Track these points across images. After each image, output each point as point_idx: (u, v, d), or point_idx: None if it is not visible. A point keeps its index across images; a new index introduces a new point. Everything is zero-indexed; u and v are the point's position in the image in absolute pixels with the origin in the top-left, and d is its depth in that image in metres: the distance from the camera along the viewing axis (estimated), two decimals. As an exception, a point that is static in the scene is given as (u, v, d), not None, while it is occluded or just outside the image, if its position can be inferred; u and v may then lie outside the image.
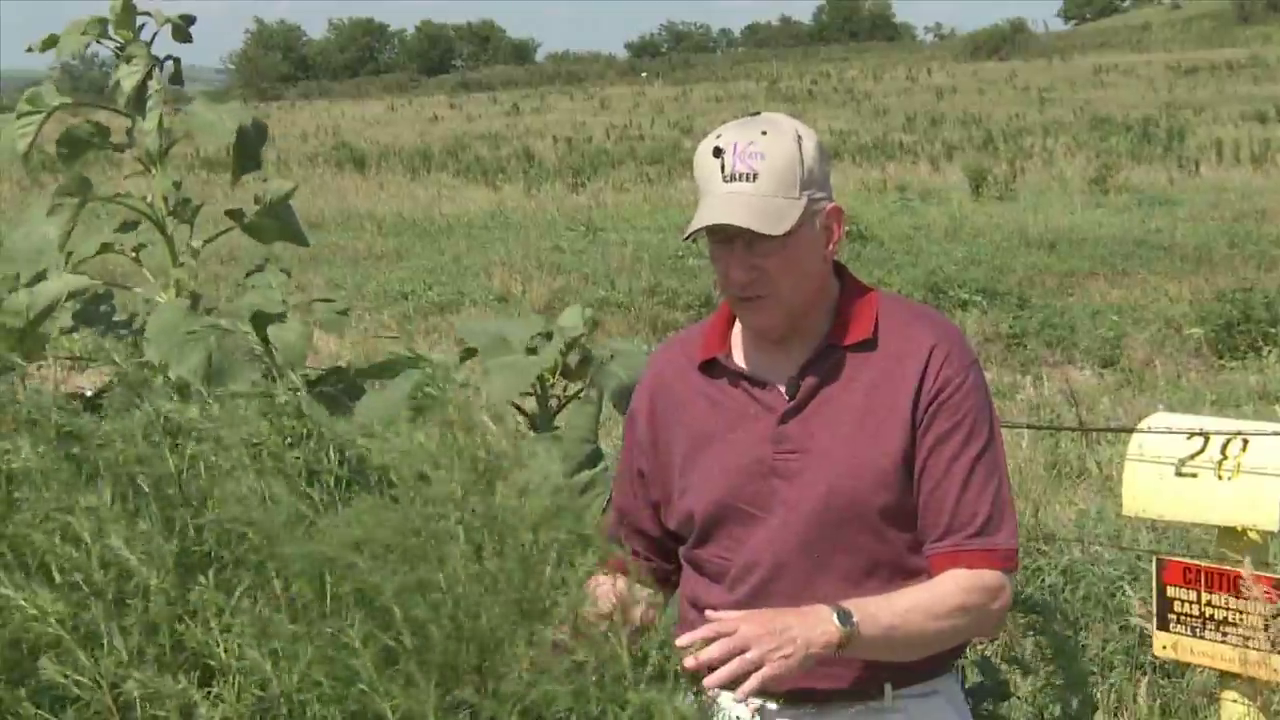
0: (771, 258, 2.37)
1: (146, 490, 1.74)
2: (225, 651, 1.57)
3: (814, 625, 2.21)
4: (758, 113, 2.49)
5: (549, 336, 3.15)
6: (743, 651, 2.13)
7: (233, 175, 3.24)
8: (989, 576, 2.40)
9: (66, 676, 1.55)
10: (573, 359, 3.17)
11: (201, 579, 1.61)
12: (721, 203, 2.36)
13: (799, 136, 2.40)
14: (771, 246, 2.36)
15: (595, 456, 3.11)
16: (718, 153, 2.39)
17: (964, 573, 2.39)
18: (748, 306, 2.43)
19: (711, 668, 2.09)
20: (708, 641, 2.13)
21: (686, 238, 2.45)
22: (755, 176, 2.35)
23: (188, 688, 1.54)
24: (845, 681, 2.41)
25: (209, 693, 1.55)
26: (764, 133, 2.39)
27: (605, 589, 1.90)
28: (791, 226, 2.35)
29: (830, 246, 2.45)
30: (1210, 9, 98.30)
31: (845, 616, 2.24)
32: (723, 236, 2.38)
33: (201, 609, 1.60)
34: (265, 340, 2.80)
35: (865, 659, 2.35)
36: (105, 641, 1.58)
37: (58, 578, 1.63)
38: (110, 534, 1.63)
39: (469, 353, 3.17)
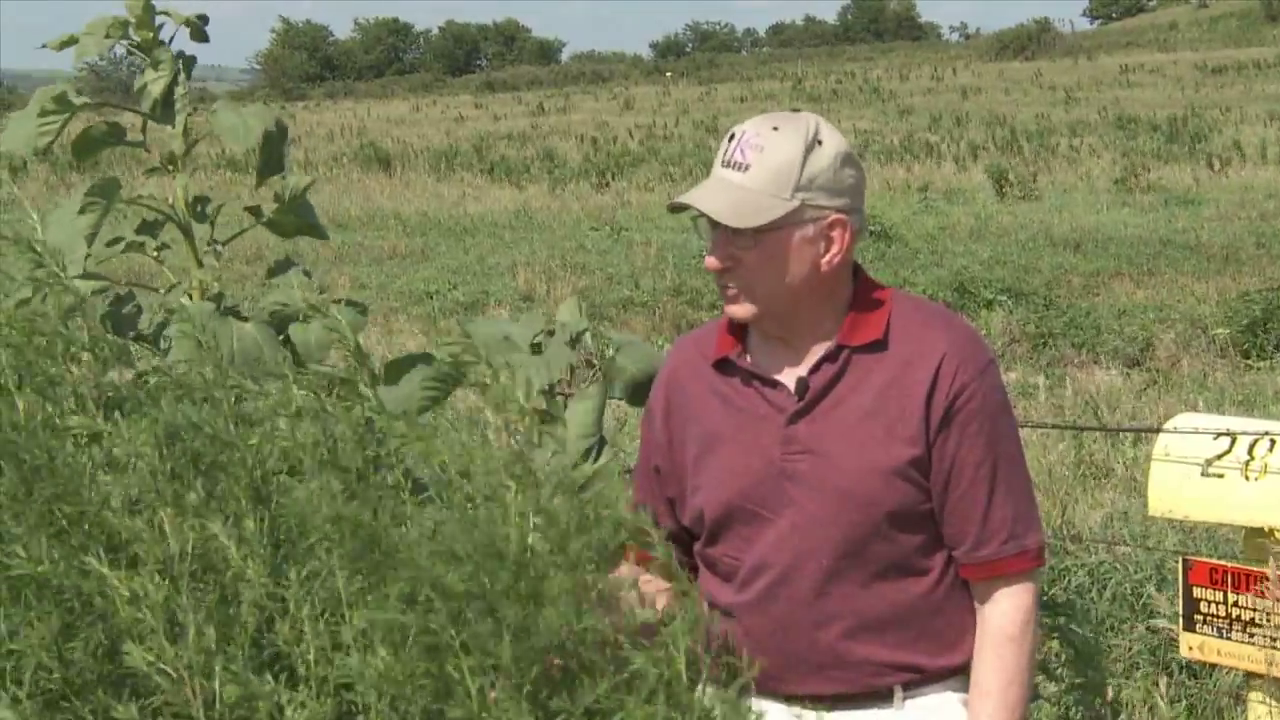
0: (749, 252, 2.37)
1: (231, 481, 1.74)
2: (314, 656, 1.56)
3: None
4: (798, 109, 2.48)
5: (551, 334, 3.14)
6: None
7: (257, 178, 3.25)
8: (1022, 599, 2.43)
9: (151, 664, 1.54)
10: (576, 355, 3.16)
11: (293, 574, 1.60)
12: (706, 186, 2.39)
13: (816, 141, 2.37)
14: (747, 240, 2.36)
15: (599, 450, 3.09)
16: (731, 137, 2.41)
17: (1021, 614, 2.42)
18: (723, 295, 2.46)
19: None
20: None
21: (668, 208, 2.49)
22: (747, 168, 2.35)
23: (276, 689, 1.53)
24: (856, 685, 2.41)
25: (290, 697, 1.54)
26: (776, 128, 2.38)
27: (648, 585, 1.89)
28: (765, 224, 2.34)
29: (828, 258, 2.40)
30: (1238, 8, 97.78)
31: None
32: (710, 220, 2.39)
33: (294, 608, 1.59)
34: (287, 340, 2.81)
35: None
36: (192, 633, 1.56)
37: (146, 565, 1.63)
38: (206, 524, 1.63)
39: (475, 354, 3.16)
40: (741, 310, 2.43)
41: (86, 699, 1.60)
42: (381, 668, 1.51)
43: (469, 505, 1.62)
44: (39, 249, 1.92)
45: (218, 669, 1.55)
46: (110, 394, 1.82)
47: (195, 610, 1.58)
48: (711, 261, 2.41)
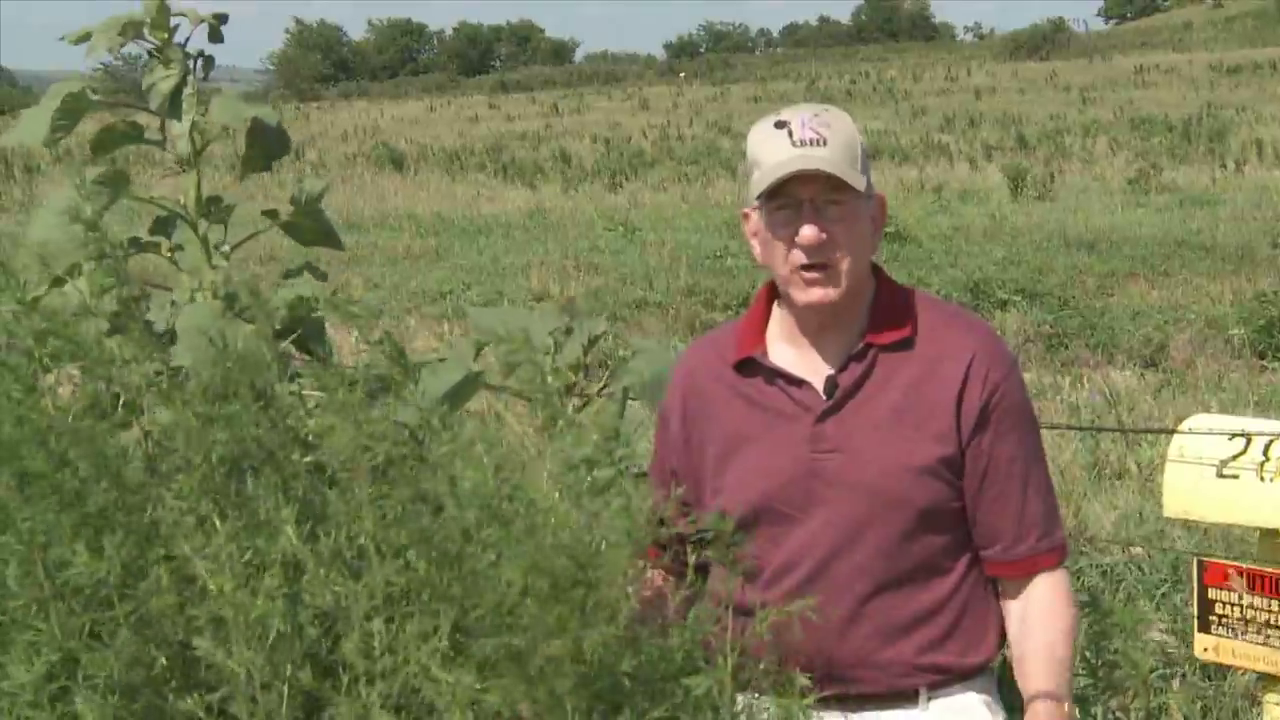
0: (839, 223, 2.35)
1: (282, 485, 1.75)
2: (379, 668, 1.57)
3: None
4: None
5: (568, 332, 3.12)
6: None
7: (240, 169, 3.24)
8: (1059, 581, 2.48)
9: (224, 664, 1.57)
10: (592, 357, 3.14)
11: (347, 583, 1.62)
12: (797, 160, 2.33)
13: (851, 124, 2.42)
14: (840, 210, 2.35)
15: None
16: (780, 125, 2.37)
17: (1061, 592, 2.47)
18: (807, 278, 2.39)
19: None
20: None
21: (761, 194, 2.38)
22: (825, 142, 2.34)
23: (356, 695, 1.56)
24: (882, 685, 2.41)
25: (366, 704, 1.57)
26: (826, 110, 2.41)
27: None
28: (862, 190, 2.36)
29: (876, 235, 2.46)
30: (1253, 7, 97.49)
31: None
32: (790, 201, 2.36)
33: (359, 616, 1.60)
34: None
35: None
36: (273, 635, 1.59)
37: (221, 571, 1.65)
38: (284, 531, 1.65)
39: (481, 346, 3.14)
40: (833, 291, 2.38)
41: (161, 694, 1.65)
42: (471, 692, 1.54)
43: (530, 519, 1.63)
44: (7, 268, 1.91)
45: (286, 670, 1.58)
46: (125, 397, 1.82)
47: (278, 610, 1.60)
48: (812, 232, 2.34)
